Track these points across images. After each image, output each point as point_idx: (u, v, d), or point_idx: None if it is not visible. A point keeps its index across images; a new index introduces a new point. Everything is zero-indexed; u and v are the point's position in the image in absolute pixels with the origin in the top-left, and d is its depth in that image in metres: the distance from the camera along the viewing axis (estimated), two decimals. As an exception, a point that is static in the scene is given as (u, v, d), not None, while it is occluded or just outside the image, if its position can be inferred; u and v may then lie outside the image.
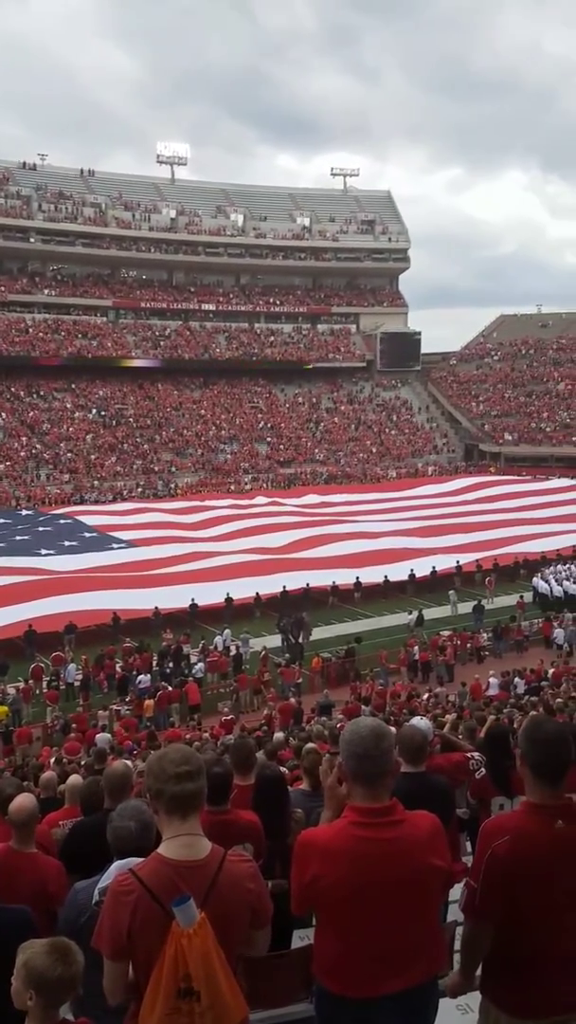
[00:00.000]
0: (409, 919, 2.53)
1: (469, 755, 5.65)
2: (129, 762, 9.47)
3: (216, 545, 35.65)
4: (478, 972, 2.84)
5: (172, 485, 54.31)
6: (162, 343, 67.18)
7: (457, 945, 3.07)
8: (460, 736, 7.46)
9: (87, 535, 38.16)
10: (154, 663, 22.92)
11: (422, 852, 2.55)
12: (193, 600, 26.76)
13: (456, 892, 2.94)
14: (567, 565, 32.13)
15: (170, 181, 75.49)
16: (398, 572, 30.90)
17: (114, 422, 59.82)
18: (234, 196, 76.75)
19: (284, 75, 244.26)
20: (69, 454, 54.94)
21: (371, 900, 2.47)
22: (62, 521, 41.16)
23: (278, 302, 74.73)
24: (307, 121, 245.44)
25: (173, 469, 56.66)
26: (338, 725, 13.31)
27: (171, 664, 23.03)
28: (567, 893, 2.69)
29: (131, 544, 36.27)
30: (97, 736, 15.74)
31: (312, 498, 49.73)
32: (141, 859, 2.59)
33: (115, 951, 2.37)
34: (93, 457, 55.37)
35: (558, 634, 25.78)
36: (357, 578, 30.01)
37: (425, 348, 76.67)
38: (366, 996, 2.48)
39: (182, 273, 72.93)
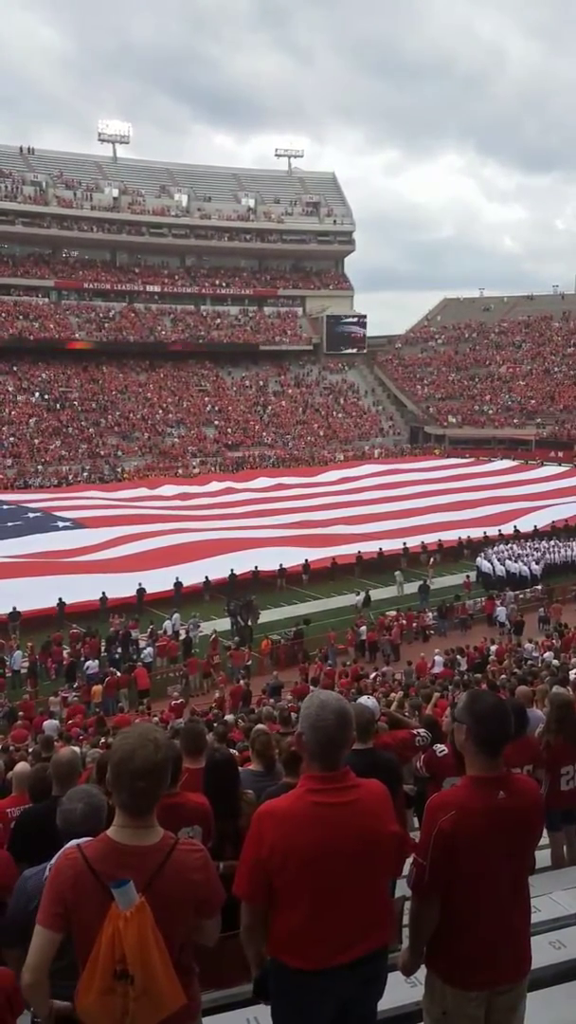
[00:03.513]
0: (365, 885, 2.57)
1: (415, 732, 5.76)
2: (77, 748, 9.40)
3: (166, 525, 35.44)
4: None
5: (119, 469, 53.68)
6: (106, 325, 66.14)
7: (405, 920, 3.12)
8: (406, 713, 7.59)
9: (30, 516, 37.54)
10: (102, 649, 22.75)
11: (376, 816, 2.60)
12: (141, 585, 26.59)
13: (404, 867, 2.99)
14: (509, 545, 32.77)
15: (112, 160, 74.10)
16: (346, 553, 31.19)
17: (58, 405, 58.77)
18: (178, 176, 75.70)
19: (216, 54, 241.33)
20: (12, 438, 53.83)
21: (330, 866, 2.50)
22: (4, 507, 40.44)
23: (224, 284, 74.13)
24: (242, 100, 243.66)
25: (119, 453, 55.99)
26: (288, 706, 13.41)
27: (119, 649, 22.89)
28: (509, 864, 2.77)
29: (77, 524, 35.82)
30: (45, 723, 15.57)
31: (263, 481, 49.68)
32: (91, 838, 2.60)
33: (49, 918, 2.36)
34: (37, 441, 54.37)
35: (500, 612, 26.32)
36: (306, 560, 30.16)
37: (370, 331, 77.01)
38: (325, 967, 2.51)
39: (126, 253, 71.78)
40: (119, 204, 69.89)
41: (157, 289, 70.87)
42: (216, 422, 62.93)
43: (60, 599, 25.08)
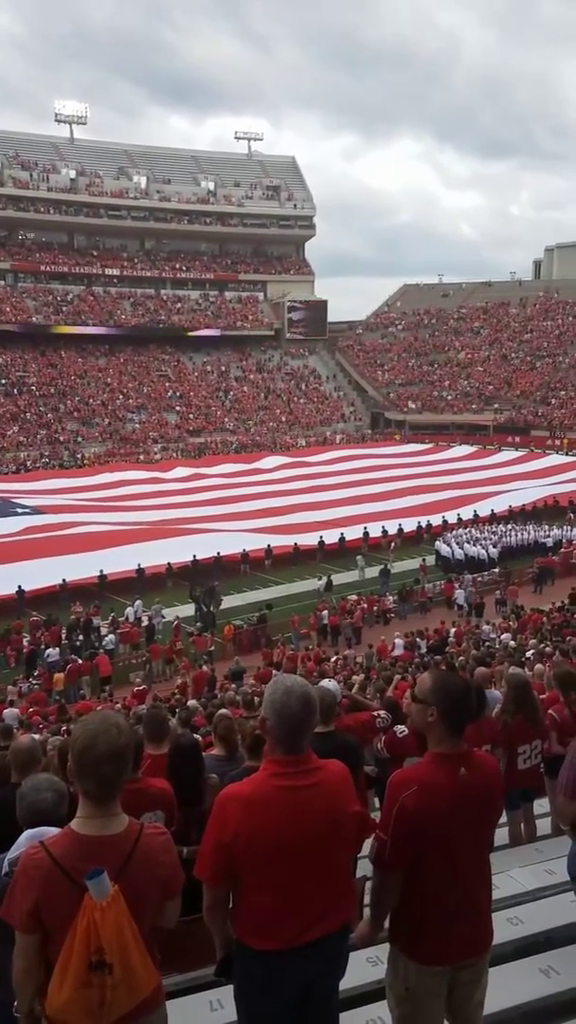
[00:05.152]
0: (329, 865, 2.60)
1: (376, 714, 5.82)
2: (37, 736, 9.33)
3: (127, 515, 35.15)
4: (385, 923, 2.94)
5: (79, 455, 53.08)
6: (64, 308, 65.15)
7: (367, 899, 3.16)
8: (368, 696, 7.66)
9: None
10: (63, 636, 22.56)
11: (339, 796, 2.63)
12: (102, 571, 26.39)
13: (366, 846, 3.03)
14: (467, 529, 33.16)
15: (69, 141, 72.71)
16: (308, 541, 31.27)
17: (15, 390, 57.86)
18: (136, 157, 74.62)
19: (172, 38, 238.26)
20: (-32, 424, 52.96)
21: (295, 848, 2.52)
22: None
23: (184, 268, 73.43)
24: (198, 84, 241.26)
25: (79, 439, 55.35)
26: (251, 691, 13.47)
27: (80, 637, 22.72)
28: (471, 840, 2.81)
29: (36, 511, 35.41)
30: (4, 712, 15.42)
31: (226, 467, 49.47)
32: (55, 829, 2.56)
33: (23, 924, 2.34)
34: (-7, 427, 53.57)
35: (459, 595, 26.63)
36: (268, 545, 30.18)
37: (331, 317, 76.97)
38: (290, 947, 2.53)
39: (84, 236, 70.70)
40: (76, 185, 68.72)
41: (116, 272, 69.96)
42: (177, 408, 62.50)
43: (19, 587, 24.79)
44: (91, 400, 59.70)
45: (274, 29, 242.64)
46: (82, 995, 2.23)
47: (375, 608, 25.91)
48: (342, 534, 31.94)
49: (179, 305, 71.18)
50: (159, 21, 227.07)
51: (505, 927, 4.04)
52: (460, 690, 2.87)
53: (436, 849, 2.74)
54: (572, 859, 3.86)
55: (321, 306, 75.80)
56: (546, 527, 33.42)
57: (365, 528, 32.57)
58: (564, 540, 32.18)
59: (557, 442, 56.07)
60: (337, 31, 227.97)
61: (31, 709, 16.74)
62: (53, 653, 21.09)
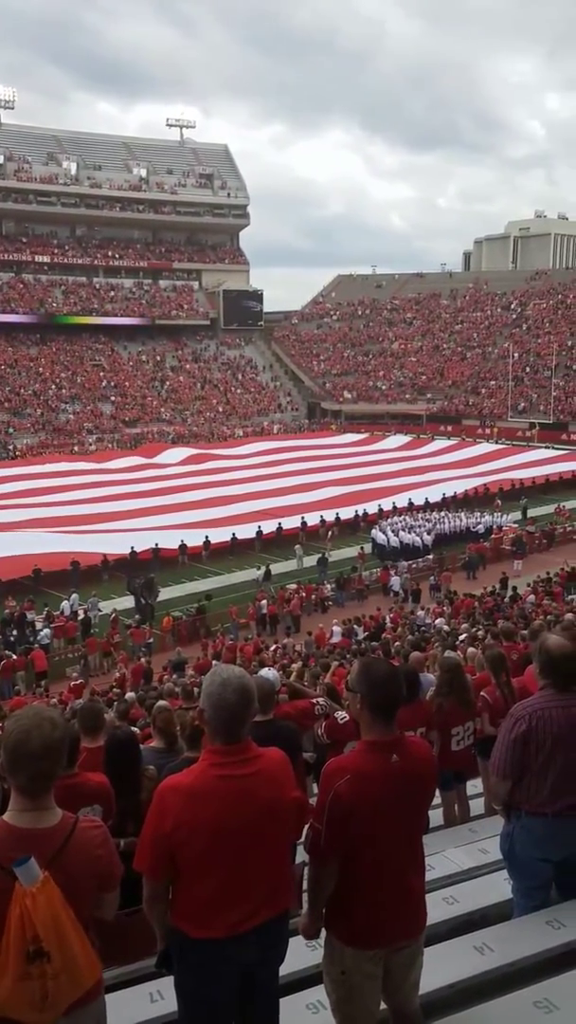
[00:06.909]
0: (269, 852, 2.60)
1: (314, 701, 5.87)
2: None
3: (68, 509, 34.57)
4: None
5: (10, 447, 51.92)
6: (-7, 296, 63.57)
7: (306, 885, 3.18)
8: (306, 683, 7.72)
9: None
10: (-4, 632, 22.11)
11: (278, 784, 2.64)
12: (36, 567, 25.92)
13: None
14: (402, 517, 33.60)
15: (-5, 124, 70.83)
16: (246, 531, 31.24)
17: (-58, 381, 56.27)
18: (66, 143, 73.02)
19: (96, 20, 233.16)
20: None
21: (236, 837, 2.52)
22: None
23: (117, 255, 72.29)
24: (124, 69, 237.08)
25: (11, 430, 54.11)
26: (190, 681, 13.42)
27: (14, 632, 22.29)
28: (403, 825, 2.85)
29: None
30: None
31: (167, 456, 48.91)
32: None
33: None
34: None
35: (394, 582, 26.98)
36: (206, 537, 30.04)
37: (266, 307, 76.92)
38: (229, 935, 2.53)
39: (12, 222, 68.98)
40: (4, 171, 67.05)
41: (47, 260, 68.48)
42: (112, 398, 61.60)
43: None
44: (22, 390, 58.40)
45: (200, 15, 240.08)
46: (23, 988, 2.19)
47: (313, 596, 26.06)
48: (280, 524, 31.99)
49: (112, 293, 70.08)
50: (83, 4, 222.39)
51: (441, 906, 4.11)
52: (382, 677, 2.86)
53: (370, 836, 2.76)
54: (504, 838, 3.95)
55: (256, 296, 75.59)
56: (477, 514, 34.12)
57: (303, 518, 32.71)
58: (494, 527, 32.90)
59: (487, 431, 57.21)
60: (263, 17, 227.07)
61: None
62: (-14, 649, 20.65)
